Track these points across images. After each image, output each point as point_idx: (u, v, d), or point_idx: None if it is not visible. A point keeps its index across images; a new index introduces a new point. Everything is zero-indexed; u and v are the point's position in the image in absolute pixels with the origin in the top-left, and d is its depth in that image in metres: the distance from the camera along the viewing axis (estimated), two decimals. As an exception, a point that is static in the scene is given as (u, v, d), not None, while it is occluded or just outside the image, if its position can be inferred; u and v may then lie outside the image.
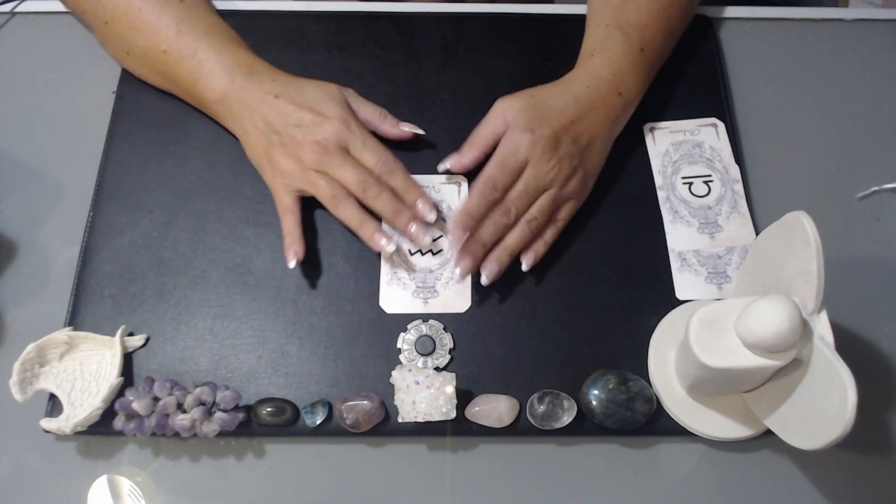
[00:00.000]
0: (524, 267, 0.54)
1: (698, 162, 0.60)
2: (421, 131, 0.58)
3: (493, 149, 0.55)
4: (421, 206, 0.54)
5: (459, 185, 0.59)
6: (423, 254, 0.56)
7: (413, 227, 0.53)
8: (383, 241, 0.53)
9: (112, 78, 0.63)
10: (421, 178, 0.59)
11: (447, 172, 0.58)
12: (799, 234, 0.43)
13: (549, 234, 0.55)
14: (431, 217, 0.54)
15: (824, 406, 0.41)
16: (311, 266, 0.56)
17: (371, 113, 0.57)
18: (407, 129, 0.58)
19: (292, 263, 0.53)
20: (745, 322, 0.42)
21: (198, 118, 0.60)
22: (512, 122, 0.54)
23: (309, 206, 0.57)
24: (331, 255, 0.56)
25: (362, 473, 0.50)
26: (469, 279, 0.55)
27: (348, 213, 0.54)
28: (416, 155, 0.60)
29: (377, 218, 0.54)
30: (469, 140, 0.57)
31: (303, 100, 0.55)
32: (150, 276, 0.55)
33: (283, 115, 0.54)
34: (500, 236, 0.53)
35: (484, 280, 0.53)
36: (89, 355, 0.52)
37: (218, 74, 0.56)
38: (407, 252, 0.56)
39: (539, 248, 0.55)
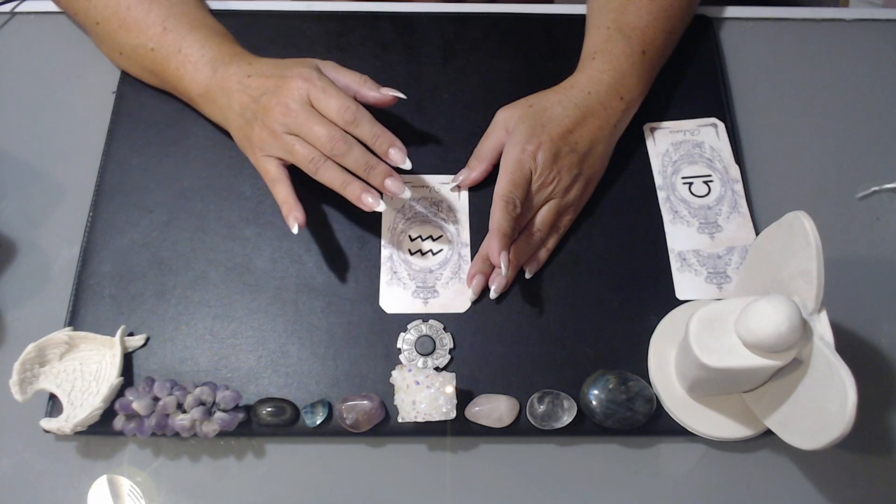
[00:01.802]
0: (527, 275, 0.55)
1: (698, 162, 0.60)
2: (402, 95, 0.55)
3: (498, 159, 0.55)
4: (394, 155, 0.51)
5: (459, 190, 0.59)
6: (423, 254, 0.56)
7: (388, 182, 0.51)
8: (370, 200, 0.51)
9: (112, 78, 0.63)
10: (420, 179, 0.59)
11: (458, 189, 0.58)
12: (799, 234, 0.43)
13: (552, 242, 0.56)
14: (407, 165, 0.52)
15: (824, 406, 0.41)
16: (311, 266, 0.56)
17: (350, 79, 0.55)
18: (388, 92, 0.55)
19: (295, 229, 0.52)
20: (745, 322, 0.42)
21: (198, 118, 0.60)
22: (512, 134, 0.54)
23: (307, 206, 0.57)
24: (331, 255, 0.56)
25: (362, 473, 0.50)
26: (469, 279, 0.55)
27: (330, 176, 0.51)
28: (417, 155, 0.60)
29: None
30: (475, 154, 0.58)
31: (272, 71, 0.53)
32: (150, 276, 0.55)
33: (253, 91, 0.53)
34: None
35: (493, 294, 0.54)
36: (89, 355, 0.52)
37: (201, 68, 0.56)
38: (407, 251, 0.56)
39: (542, 255, 0.55)
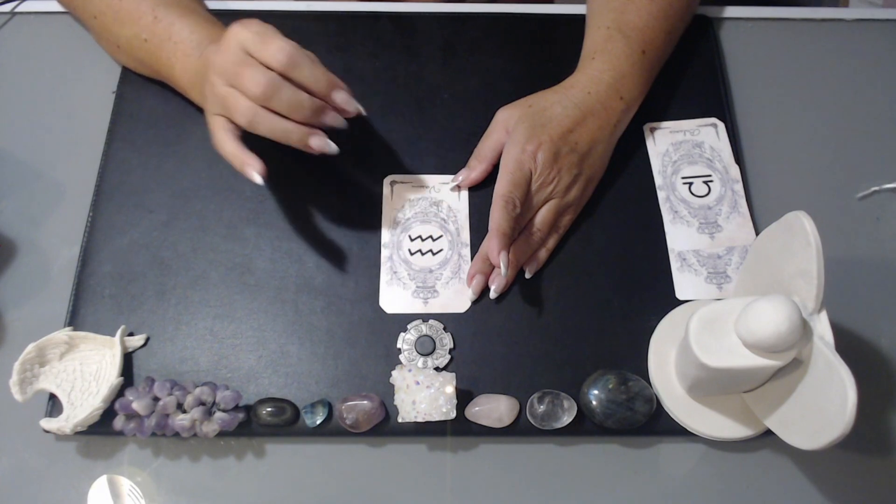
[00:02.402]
0: (527, 275, 0.55)
1: (698, 162, 0.60)
2: (362, 111, 0.51)
3: (498, 159, 0.55)
4: (337, 96, 0.49)
5: (459, 190, 0.59)
6: (422, 254, 0.56)
7: (328, 118, 0.49)
8: (317, 142, 0.48)
9: (112, 78, 0.63)
10: (420, 179, 0.59)
11: (458, 189, 0.58)
12: (799, 234, 0.43)
13: (551, 242, 0.56)
14: (352, 107, 0.49)
15: (824, 406, 0.41)
16: (311, 266, 0.56)
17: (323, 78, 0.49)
18: (353, 106, 0.50)
19: (257, 178, 0.48)
20: (745, 322, 0.42)
21: (198, 118, 0.60)
22: (511, 134, 0.54)
23: (306, 206, 0.57)
24: (331, 255, 0.56)
25: (362, 473, 0.50)
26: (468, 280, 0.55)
27: (266, 127, 0.48)
28: (417, 155, 0.60)
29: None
30: (475, 154, 0.58)
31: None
32: (150, 276, 0.55)
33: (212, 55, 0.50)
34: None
35: (493, 294, 0.54)
36: (89, 355, 0.52)
37: (191, 53, 0.55)
38: (407, 251, 0.56)
39: (542, 255, 0.55)
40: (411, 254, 0.56)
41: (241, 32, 0.48)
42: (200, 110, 0.60)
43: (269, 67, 0.47)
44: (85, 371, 0.51)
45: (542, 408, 0.50)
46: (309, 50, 0.64)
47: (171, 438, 0.50)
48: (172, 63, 0.56)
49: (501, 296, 0.54)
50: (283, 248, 0.56)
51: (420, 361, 0.52)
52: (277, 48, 0.47)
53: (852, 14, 0.69)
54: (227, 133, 0.49)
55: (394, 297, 0.55)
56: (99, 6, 0.58)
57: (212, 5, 0.64)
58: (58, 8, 0.66)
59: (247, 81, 0.47)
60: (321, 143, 0.49)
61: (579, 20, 0.63)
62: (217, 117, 0.50)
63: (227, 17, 0.63)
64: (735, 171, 0.60)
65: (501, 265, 0.50)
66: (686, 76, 0.64)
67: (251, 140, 0.50)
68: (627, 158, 0.60)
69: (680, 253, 0.56)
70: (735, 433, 0.50)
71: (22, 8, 0.67)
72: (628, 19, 0.58)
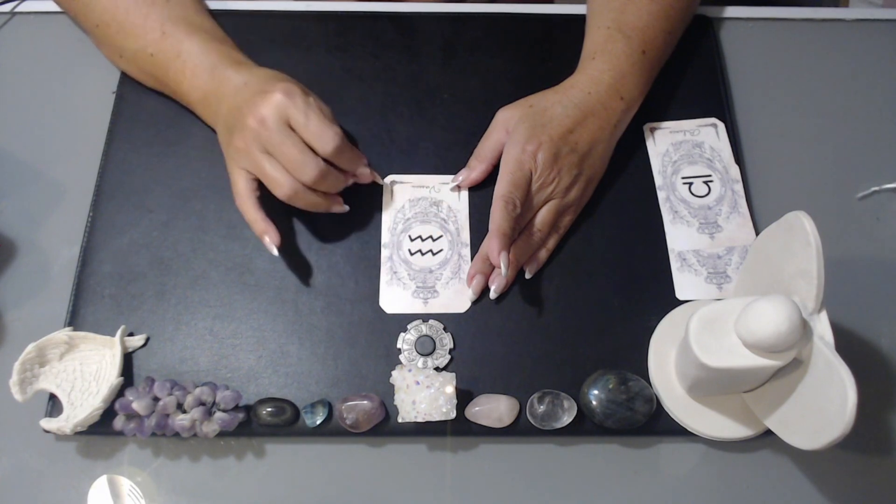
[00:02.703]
0: (527, 275, 0.55)
1: (698, 162, 0.60)
2: (381, 181, 0.58)
3: (498, 159, 0.55)
4: (362, 175, 0.55)
5: (459, 190, 0.59)
6: (423, 254, 0.56)
7: (361, 171, 0.55)
8: (338, 209, 0.54)
9: (112, 78, 0.63)
10: (420, 179, 0.59)
11: (458, 189, 0.58)
12: (799, 234, 0.43)
13: (552, 242, 0.56)
14: (369, 180, 0.56)
15: (824, 406, 0.41)
16: (311, 266, 0.56)
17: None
18: (368, 174, 0.56)
19: (274, 251, 0.51)
20: (745, 322, 0.42)
21: (198, 119, 0.60)
22: (512, 134, 0.54)
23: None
24: (331, 255, 0.56)
25: (362, 473, 0.50)
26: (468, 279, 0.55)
27: (303, 203, 0.52)
28: (417, 155, 0.60)
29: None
30: (475, 154, 0.58)
31: (263, 83, 0.52)
32: (150, 276, 0.55)
33: (240, 99, 0.52)
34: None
35: (493, 294, 0.54)
36: (89, 355, 0.52)
37: (200, 74, 0.55)
38: (407, 251, 0.56)
39: (542, 255, 0.55)
40: (411, 254, 0.56)
41: (286, 105, 0.50)
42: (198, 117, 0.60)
43: (312, 148, 0.50)
44: (85, 371, 0.51)
45: (542, 408, 0.50)
46: (309, 50, 0.64)
47: (171, 438, 0.50)
48: (180, 80, 0.56)
49: (501, 296, 0.54)
50: (283, 249, 0.56)
51: (420, 361, 0.52)
52: (328, 138, 0.50)
53: (852, 14, 0.69)
54: (252, 195, 0.52)
55: (394, 297, 0.55)
56: (102, 16, 0.58)
57: (212, 5, 0.65)
58: (58, 8, 0.66)
59: (298, 166, 0.50)
60: (341, 209, 0.55)
61: (579, 20, 0.63)
62: (242, 172, 0.52)
63: (228, 17, 0.63)
64: (735, 171, 0.60)
65: (502, 265, 0.50)
66: (686, 76, 0.64)
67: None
68: (627, 158, 0.60)
69: (680, 253, 0.56)
70: (735, 433, 0.50)
71: (22, 8, 0.67)
72: (628, 19, 0.58)
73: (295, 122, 0.50)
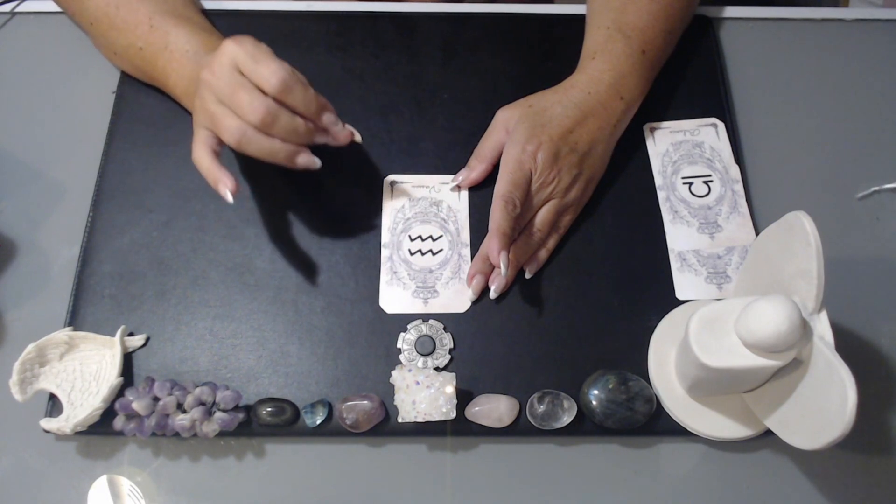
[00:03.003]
0: (527, 275, 0.55)
1: (698, 162, 0.60)
2: (359, 139, 0.53)
3: (498, 159, 0.55)
4: (326, 119, 0.50)
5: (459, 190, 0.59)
6: (422, 254, 0.56)
7: (317, 137, 0.50)
8: (303, 159, 0.50)
9: (112, 78, 0.63)
10: (420, 179, 0.59)
11: (458, 189, 0.58)
12: (799, 234, 0.43)
13: (551, 242, 0.56)
14: (339, 126, 0.51)
15: (824, 406, 0.41)
16: (311, 266, 0.56)
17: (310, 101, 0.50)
18: (346, 130, 0.52)
19: (229, 197, 0.49)
20: (745, 322, 0.42)
21: (198, 118, 0.60)
22: (512, 134, 0.54)
23: (306, 206, 0.57)
24: (331, 255, 0.56)
25: (362, 473, 0.50)
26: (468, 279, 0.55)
27: (254, 149, 0.49)
28: (417, 155, 0.60)
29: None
30: (475, 154, 0.58)
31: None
32: (150, 276, 0.55)
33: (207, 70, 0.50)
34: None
35: (493, 294, 0.53)
36: (89, 355, 0.51)
37: (185, 64, 0.55)
38: (407, 251, 0.56)
39: (542, 255, 0.55)
40: (411, 254, 0.56)
41: (234, 50, 0.48)
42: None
43: (262, 90, 0.47)
44: (85, 371, 0.51)
45: (542, 408, 0.50)
46: (309, 50, 0.64)
47: (171, 438, 0.50)
48: (168, 72, 0.56)
49: (501, 296, 0.54)
50: (283, 248, 0.56)
51: (420, 361, 0.52)
52: (271, 72, 0.47)
53: (852, 14, 0.69)
54: (207, 148, 0.50)
55: (394, 297, 0.55)
56: (95, 13, 0.58)
57: (212, 5, 0.65)
58: (58, 8, 0.66)
59: (244, 105, 0.47)
60: (307, 161, 0.50)
61: (579, 20, 0.63)
62: (202, 130, 0.50)
63: (228, 17, 0.63)
64: (735, 171, 0.60)
65: (501, 265, 0.50)
66: (686, 76, 0.64)
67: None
68: (627, 158, 0.60)
69: (680, 253, 0.56)
70: (735, 433, 0.50)
71: (22, 8, 0.67)
72: (628, 19, 0.58)
73: (243, 66, 0.48)
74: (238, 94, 0.47)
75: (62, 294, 0.54)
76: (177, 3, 0.59)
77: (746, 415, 0.50)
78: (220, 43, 0.54)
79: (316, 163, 0.50)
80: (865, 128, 0.63)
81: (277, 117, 0.48)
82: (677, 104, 0.63)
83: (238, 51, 0.48)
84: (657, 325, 0.53)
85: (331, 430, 0.50)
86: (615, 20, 0.58)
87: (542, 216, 0.55)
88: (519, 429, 0.50)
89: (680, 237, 0.57)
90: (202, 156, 0.50)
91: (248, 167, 0.58)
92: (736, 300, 0.45)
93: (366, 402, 0.49)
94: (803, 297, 0.43)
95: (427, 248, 0.56)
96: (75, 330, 0.52)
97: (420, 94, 0.63)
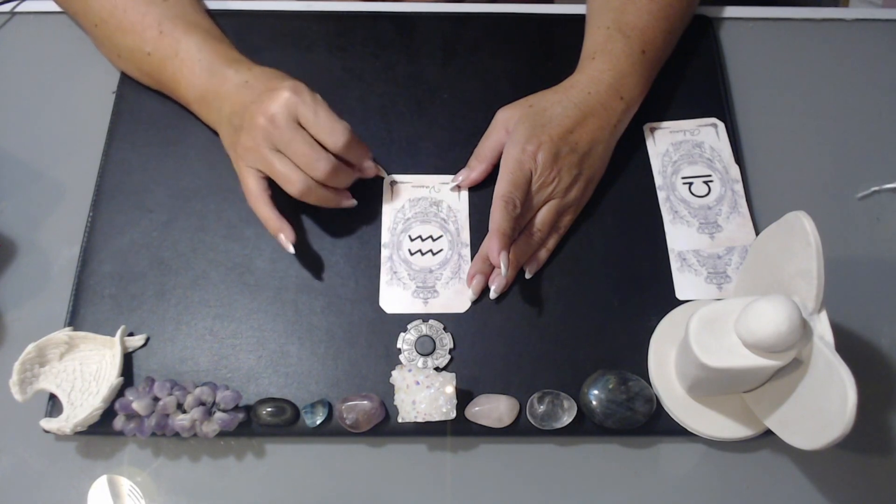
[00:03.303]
0: (528, 275, 0.55)
1: (698, 162, 0.60)
2: (384, 175, 0.58)
3: (498, 159, 0.55)
4: (367, 167, 0.55)
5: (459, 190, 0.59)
6: (422, 254, 0.56)
7: (367, 164, 0.55)
8: (347, 203, 0.54)
9: (112, 78, 0.63)
10: (420, 179, 0.59)
11: (458, 189, 0.58)
12: (799, 234, 0.43)
13: (551, 242, 0.56)
14: (383, 173, 0.57)
15: (824, 406, 0.41)
16: (311, 266, 0.56)
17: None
18: (371, 167, 0.56)
19: (290, 248, 0.52)
20: (745, 322, 0.42)
21: (198, 119, 0.60)
22: (512, 134, 0.54)
23: (306, 206, 0.57)
24: (331, 255, 0.56)
25: (362, 473, 0.50)
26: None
27: (315, 199, 0.52)
28: (417, 155, 0.60)
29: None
30: (475, 154, 0.58)
31: (267, 84, 0.52)
32: (150, 276, 0.55)
33: (243, 98, 0.52)
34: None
35: (493, 294, 0.53)
36: (89, 355, 0.52)
37: (198, 73, 0.55)
38: (407, 251, 0.56)
39: (542, 255, 0.55)
40: (411, 254, 0.56)
41: (294, 102, 0.50)
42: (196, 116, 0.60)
43: (321, 144, 0.50)
44: (85, 371, 0.51)
45: (542, 408, 0.50)
46: (309, 50, 0.64)
47: (171, 438, 0.50)
48: (178, 78, 0.56)
49: (501, 296, 0.54)
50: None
51: (420, 361, 0.52)
52: (337, 133, 0.50)
53: (852, 14, 0.69)
54: (264, 194, 0.52)
55: (394, 297, 0.55)
56: (101, 14, 0.58)
57: (212, 5, 0.65)
58: (58, 8, 0.66)
59: (311, 162, 0.50)
60: (350, 204, 0.55)
61: (579, 20, 0.63)
62: (252, 172, 0.52)
63: (228, 17, 0.63)
64: (735, 171, 0.60)
65: (501, 265, 0.50)
66: (686, 76, 0.64)
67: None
68: (627, 158, 0.60)
69: (680, 253, 0.56)
70: (735, 433, 0.50)
71: (22, 8, 0.67)
72: (628, 19, 0.58)
73: (304, 119, 0.50)
74: (302, 149, 0.50)
75: (62, 294, 0.54)
76: (187, 9, 0.59)
77: (746, 415, 0.50)
78: (231, 52, 0.57)
79: (354, 204, 0.55)
80: (865, 128, 0.63)
81: (338, 172, 0.51)
82: (677, 104, 0.63)
83: (298, 102, 0.50)
84: (657, 325, 0.53)
85: (331, 430, 0.50)
86: (615, 20, 0.58)
87: (542, 216, 0.55)
88: (519, 429, 0.50)
89: (680, 237, 0.57)
90: (262, 205, 0.52)
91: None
92: (736, 300, 0.45)
93: (366, 402, 0.49)
94: (803, 297, 0.43)
95: (427, 248, 0.56)
96: (75, 330, 0.52)
97: (420, 94, 0.63)
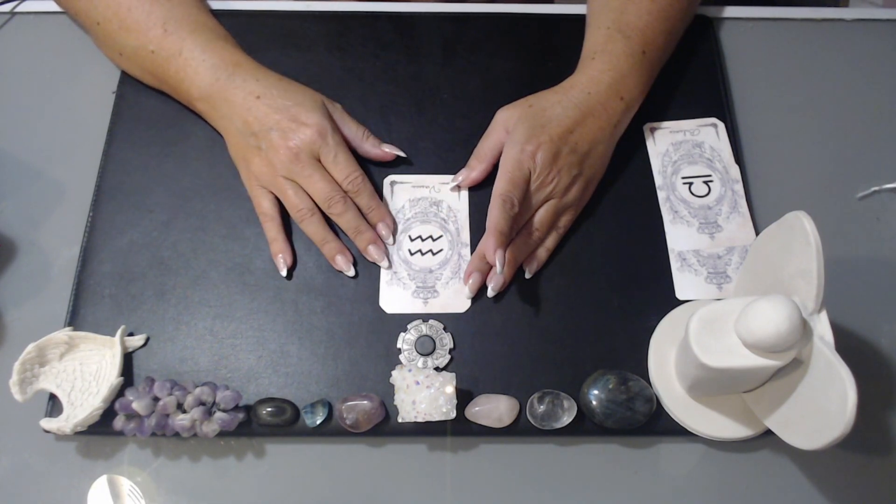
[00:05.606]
0: (527, 275, 0.55)
1: (698, 162, 0.60)
2: (402, 153, 0.58)
3: (498, 159, 0.56)
4: (381, 229, 0.56)
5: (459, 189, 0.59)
6: (422, 254, 0.56)
7: (371, 248, 0.55)
8: (342, 262, 0.54)
9: (112, 78, 0.63)
10: (420, 179, 0.59)
11: (457, 189, 0.58)
12: (799, 234, 0.43)
13: (551, 241, 0.56)
14: (391, 241, 0.56)
15: (824, 406, 0.41)
16: (311, 266, 0.56)
17: (353, 131, 0.58)
18: (388, 149, 0.58)
19: (283, 271, 0.54)
20: (745, 322, 0.42)
21: (198, 118, 0.60)
22: (511, 134, 0.54)
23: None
24: (331, 255, 0.56)
25: (362, 473, 0.50)
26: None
27: (312, 230, 0.55)
28: (417, 155, 0.60)
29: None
30: (474, 154, 0.58)
31: (283, 103, 0.54)
32: (150, 276, 0.55)
33: (261, 118, 0.54)
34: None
35: (490, 293, 0.53)
36: (89, 355, 0.52)
37: (203, 73, 0.56)
38: (407, 251, 0.56)
39: (541, 255, 0.55)
40: (411, 254, 0.56)
41: (318, 141, 0.54)
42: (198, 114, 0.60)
43: (336, 180, 0.54)
44: (85, 371, 0.51)
45: (542, 408, 0.50)
46: (309, 50, 0.64)
47: (171, 438, 0.50)
48: (181, 77, 0.56)
49: (501, 295, 0.54)
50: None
51: (420, 361, 0.52)
52: (351, 175, 0.55)
53: (852, 14, 0.69)
54: (275, 217, 0.55)
55: (394, 297, 0.55)
56: (104, 13, 0.58)
57: (213, 5, 0.65)
58: (58, 8, 0.66)
59: (319, 191, 0.54)
60: (346, 266, 0.55)
61: (579, 20, 0.63)
62: (265, 192, 0.56)
63: (228, 17, 0.63)
64: (735, 171, 0.60)
65: (497, 263, 0.50)
66: (686, 76, 0.64)
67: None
68: (627, 158, 0.60)
69: (680, 253, 0.56)
70: (735, 433, 0.50)
71: (22, 8, 0.67)
72: (628, 19, 0.58)
73: (325, 159, 0.54)
74: (319, 185, 0.54)
75: (62, 294, 0.54)
76: (191, 9, 0.59)
77: (746, 415, 0.50)
78: (236, 53, 0.58)
79: (350, 271, 0.55)
80: (865, 128, 0.63)
81: (347, 211, 0.54)
82: (677, 104, 0.63)
83: (322, 144, 0.54)
84: (657, 325, 0.53)
85: (331, 430, 0.50)
86: (615, 20, 0.58)
87: (541, 216, 0.55)
88: (519, 429, 0.50)
89: (680, 237, 0.57)
90: (273, 226, 0.55)
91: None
92: (736, 300, 0.45)
93: (366, 402, 0.49)
94: (803, 297, 0.43)
95: (427, 248, 0.56)
96: (75, 330, 0.52)
97: (420, 94, 0.63)
